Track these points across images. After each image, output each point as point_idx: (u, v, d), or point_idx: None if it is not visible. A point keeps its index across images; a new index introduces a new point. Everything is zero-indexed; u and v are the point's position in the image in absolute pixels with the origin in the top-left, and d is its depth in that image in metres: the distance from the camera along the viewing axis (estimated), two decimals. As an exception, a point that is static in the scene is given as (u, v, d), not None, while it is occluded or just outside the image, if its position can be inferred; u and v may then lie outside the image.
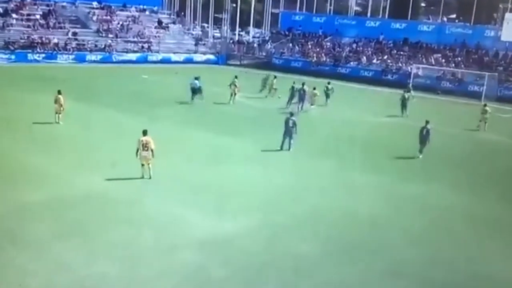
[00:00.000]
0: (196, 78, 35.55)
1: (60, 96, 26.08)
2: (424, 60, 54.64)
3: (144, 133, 18.40)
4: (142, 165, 18.31)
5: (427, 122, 24.21)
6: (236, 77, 37.14)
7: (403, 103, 34.98)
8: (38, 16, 60.04)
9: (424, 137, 23.90)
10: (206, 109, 33.37)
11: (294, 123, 23.65)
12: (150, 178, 18.31)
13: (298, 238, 14.88)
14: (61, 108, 26.01)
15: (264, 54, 66.82)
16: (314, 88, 36.17)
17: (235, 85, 36.02)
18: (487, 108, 32.80)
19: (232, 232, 14.90)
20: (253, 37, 78.67)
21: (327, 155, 23.71)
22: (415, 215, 17.42)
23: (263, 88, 40.10)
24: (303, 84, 35.05)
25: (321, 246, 14.54)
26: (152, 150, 18.06)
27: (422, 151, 23.99)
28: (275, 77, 40.14)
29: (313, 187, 19.27)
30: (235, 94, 35.86)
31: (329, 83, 37.88)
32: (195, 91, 35.09)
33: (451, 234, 15.96)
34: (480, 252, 14.88)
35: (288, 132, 23.56)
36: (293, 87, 35.86)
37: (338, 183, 20.04)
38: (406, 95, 35.64)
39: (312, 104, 35.50)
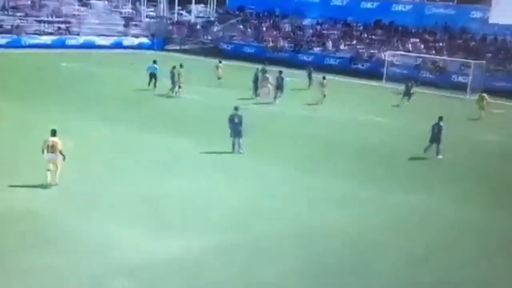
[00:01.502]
0: (155, 62, 38.50)
1: None
2: (400, 46, 55.95)
3: (53, 133, 18.53)
4: (48, 170, 18.38)
5: (440, 118, 25.67)
6: (181, 65, 37.71)
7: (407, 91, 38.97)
8: None
9: (436, 135, 25.27)
10: (144, 104, 33.81)
11: (240, 120, 24.01)
12: (56, 185, 18.39)
13: (261, 263, 14.67)
14: None
15: (210, 37, 67.08)
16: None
17: (179, 75, 36.68)
18: (484, 94, 36.50)
19: (176, 256, 14.63)
20: (196, 17, 78.80)
21: (286, 158, 24.21)
22: (413, 231, 17.72)
23: (256, 89, 38.37)
24: (280, 72, 37.69)
25: (292, 274, 14.24)
26: (61, 152, 18.35)
27: (439, 151, 25.38)
28: (265, 71, 39.40)
29: (277, 198, 19.37)
30: (179, 87, 36.64)
31: (280, 72, 38.58)
32: (155, 76, 37.68)
33: (458, 253, 16.26)
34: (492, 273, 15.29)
35: (236, 131, 23.96)
36: (257, 74, 38.19)
37: (304, 192, 20.33)
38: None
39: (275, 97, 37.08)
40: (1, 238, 14.99)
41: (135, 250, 14.72)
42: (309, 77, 44.24)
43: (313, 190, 20.48)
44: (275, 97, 36.95)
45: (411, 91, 39.71)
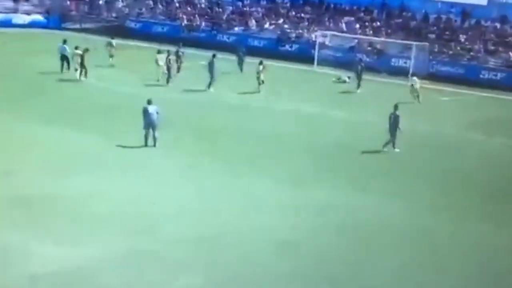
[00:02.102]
0: (65, 42, 38.66)
1: None
2: (332, 25, 54.91)
3: None
4: None
5: (396, 107, 26.09)
6: (76, 47, 37.70)
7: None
8: None
9: (393, 125, 25.69)
10: (43, 90, 33.18)
11: (157, 111, 24.02)
12: None
13: (173, 271, 14.65)
14: None
15: (114, 15, 64.74)
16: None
17: (79, 54, 36.70)
18: (414, 77, 37.99)
19: (81, 263, 14.56)
20: (98, -9, 75.78)
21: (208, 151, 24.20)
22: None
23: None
24: (213, 56, 37.66)
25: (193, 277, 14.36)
26: None
27: (395, 143, 25.78)
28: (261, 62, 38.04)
29: (196, 200, 19.25)
30: (83, 71, 36.54)
31: (214, 56, 37.95)
32: (66, 58, 37.75)
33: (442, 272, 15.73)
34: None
35: (150, 123, 23.83)
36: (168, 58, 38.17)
37: (227, 192, 20.25)
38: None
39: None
40: None
41: (38, 257, 14.66)
42: (240, 61, 43.48)
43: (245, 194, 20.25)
44: (209, 85, 36.23)
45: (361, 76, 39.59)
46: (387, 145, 25.75)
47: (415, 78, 38.15)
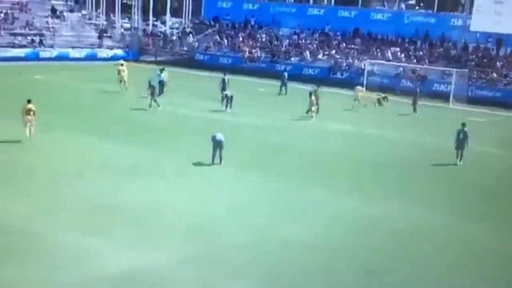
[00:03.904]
0: (162, 71, 40.13)
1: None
2: (379, 55, 54.77)
3: (29, 101, 25.43)
4: (28, 127, 25.01)
5: (463, 124, 26.31)
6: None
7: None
8: None
9: (461, 141, 25.96)
10: (122, 116, 33.04)
11: (221, 142, 23.75)
12: (30, 136, 24.95)
13: (233, 275, 14.37)
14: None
15: (185, 48, 65.83)
16: None
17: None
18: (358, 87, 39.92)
19: (151, 267, 14.44)
20: (171, 28, 77.20)
21: (268, 169, 23.76)
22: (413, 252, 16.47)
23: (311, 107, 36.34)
24: (317, 86, 37.81)
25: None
26: (34, 114, 25.15)
27: (462, 157, 26.07)
28: (316, 89, 37.40)
29: (253, 209, 19.06)
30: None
31: (318, 86, 38.09)
32: (162, 83, 38.75)
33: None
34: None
35: (218, 144, 23.70)
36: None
37: (284, 204, 19.85)
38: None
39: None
40: None
41: (110, 261, 14.61)
42: (283, 84, 44.35)
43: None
44: (307, 111, 35.47)
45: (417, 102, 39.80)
46: (461, 159, 25.94)
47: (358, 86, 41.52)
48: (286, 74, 46.79)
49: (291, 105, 38.32)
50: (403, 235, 17.53)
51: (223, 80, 39.62)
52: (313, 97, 35.77)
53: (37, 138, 25.31)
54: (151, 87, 35.22)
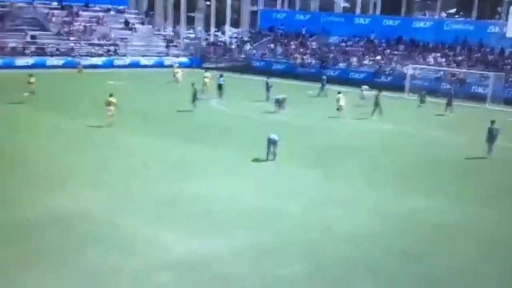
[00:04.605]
0: (221, 75, 42.22)
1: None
2: (421, 60, 54.12)
3: (110, 95, 28.92)
4: (109, 115, 28.23)
5: (492, 122, 26.60)
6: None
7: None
8: (-8, 18, 58.34)
9: (493, 136, 26.10)
10: (187, 118, 33.38)
11: (275, 141, 23.83)
12: (109, 125, 27.85)
13: (283, 262, 14.28)
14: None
15: (243, 56, 66.10)
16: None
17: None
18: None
19: (211, 254, 14.45)
20: (230, 37, 77.86)
21: (316, 165, 23.54)
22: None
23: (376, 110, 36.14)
24: (379, 90, 37.13)
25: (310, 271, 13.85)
26: (115, 106, 28.44)
27: (492, 150, 26.12)
28: (378, 93, 37.03)
29: (305, 202, 18.83)
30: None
31: (380, 90, 37.63)
32: (221, 87, 40.92)
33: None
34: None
35: (272, 143, 23.79)
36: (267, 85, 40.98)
37: (332, 197, 19.57)
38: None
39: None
40: (62, 237, 15.00)
41: (175, 249, 14.70)
42: (323, 86, 45.07)
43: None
44: (375, 113, 35.44)
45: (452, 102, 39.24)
46: (490, 152, 26.03)
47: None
48: (325, 77, 47.00)
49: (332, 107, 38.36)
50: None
51: (267, 83, 41.36)
52: (378, 99, 35.76)
53: (111, 135, 26.45)
54: (193, 89, 35.43)
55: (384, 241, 15.89)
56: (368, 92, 41.04)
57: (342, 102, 35.56)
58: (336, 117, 35.10)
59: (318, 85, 45.57)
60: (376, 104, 35.72)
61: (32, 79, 34.76)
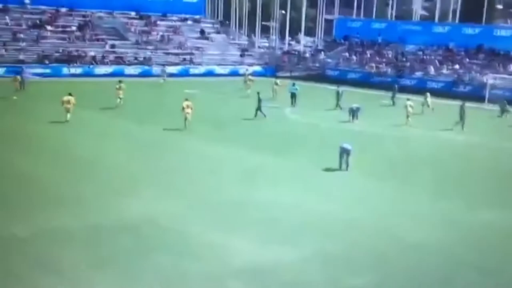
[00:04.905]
0: (294, 84, 43.23)
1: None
2: (501, 69, 52.78)
3: (186, 99, 30.93)
4: (185, 119, 30.43)
5: None
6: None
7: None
8: (74, 28, 61.31)
9: None
10: (259, 126, 33.97)
11: (349, 146, 23.94)
12: (185, 127, 30.24)
13: (353, 271, 14.34)
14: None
15: (317, 65, 66.37)
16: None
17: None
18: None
19: (280, 262, 14.58)
20: (305, 46, 78.13)
21: (388, 175, 23.59)
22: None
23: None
24: (462, 102, 36.47)
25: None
26: (191, 109, 30.65)
27: None
28: (463, 104, 36.53)
29: (376, 212, 18.86)
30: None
31: (463, 102, 37.01)
32: (295, 96, 41.66)
33: None
34: None
35: (345, 152, 23.79)
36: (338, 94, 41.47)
37: (403, 208, 19.48)
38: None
39: None
40: (130, 242, 15.34)
41: (243, 255, 14.86)
42: (393, 96, 45.05)
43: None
44: (458, 124, 35.05)
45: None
46: None
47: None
48: (396, 86, 46.94)
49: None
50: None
51: (337, 92, 41.54)
52: (463, 110, 35.39)
53: (182, 142, 27.49)
54: (258, 98, 35.63)
55: (455, 253, 15.78)
56: (432, 100, 41.04)
57: (410, 109, 35.67)
58: (409, 126, 34.91)
59: (399, 95, 45.25)
60: (461, 115, 35.28)
61: (123, 85, 37.42)
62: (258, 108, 35.52)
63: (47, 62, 54.16)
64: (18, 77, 41.82)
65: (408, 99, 36.87)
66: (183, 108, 30.41)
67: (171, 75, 56.45)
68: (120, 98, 36.55)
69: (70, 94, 31.62)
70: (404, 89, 48.12)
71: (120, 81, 38.29)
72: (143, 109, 37.00)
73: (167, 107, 36.76)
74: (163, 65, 57.13)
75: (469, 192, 21.74)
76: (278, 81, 48.02)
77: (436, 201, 20.32)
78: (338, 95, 41.44)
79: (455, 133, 33.83)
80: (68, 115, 30.87)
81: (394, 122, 36.12)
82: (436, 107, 40.68)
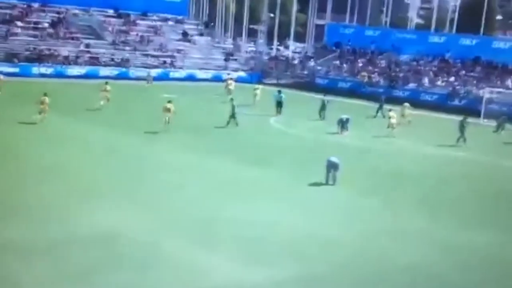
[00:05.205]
0: (279, 92, 42.99)
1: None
2: (499, 82, 53.19)
3: (169, 101, 32.79)
4: (165, 121, 31.87)
5: None
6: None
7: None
8: (46, 25, 60.96)
9: None
10: (241, 135, 33.87)
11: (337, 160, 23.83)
12: (166, 124, 31.77)
13: None
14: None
15: (306, 72, 66.50)
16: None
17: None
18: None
19: (257, 283, 14.45)
20: (294, 52, 78.42)
21: (377, 192, 23.58)
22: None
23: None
24: (464, 117, 36.49)
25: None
26: (172, 112, 32.13)
27: None
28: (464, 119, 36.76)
29: (362, 231, 18.84)
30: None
31: (465, 117, 37.21)
32: (280, 104, 41.43)
33: None
34: None
35: (332, 166, 23.78)
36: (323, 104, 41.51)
37: (390, 227, 19.51)
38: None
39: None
40: (100, 257, 15.19)
41: (219, 275, 14.76)
42: (381, 107, 44.88)
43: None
44: (458, 140, 35.21)
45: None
46: None
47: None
48: (383, 97, 47.01)
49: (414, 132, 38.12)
50: None
51: (323, 101, 41.79)
52: (464, 125, 35.67)
53: (158, 150, 27.37)
54: (232, 105, 35.77)
55: (444, 275, 15.83)
56: (411, 112, 41.41)
57: (393, 120, 36.51)
58: (399, 140, 35.10)
59: (386, 106, 45.43)
60: (462, 130, 35.47)
61: (108, 87, 39.20)
62: (232, 116, 35.56)
63: (16, 60, 53.68)
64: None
65: (390, 110, 37.72)
66: (165, 110, 31.85)
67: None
68: (108, 100, 38.10)
69: (45, 95, 32.01)
70: (396, 101, 48.12)
71: (106, 83, 40.09)
72: (120, 114, 36.70)
73: (145, 112, 36.67)
74: (147, 67, 57.33)
75: (458, 212, 21.80)
76: (257, 86, 48.64)
77: (424, 219, 20.34)
78: (323, 104, 41.54)
79: (448, 149, 33.93)
80: (39, 117, 30.99)
81: (384, 135, 36.26)
82: (429, 121, 40.83)
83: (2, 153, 25.02)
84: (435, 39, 63.06)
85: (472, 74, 56.80)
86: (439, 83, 56.67)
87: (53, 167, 23.28)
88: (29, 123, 30.64)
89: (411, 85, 57.84)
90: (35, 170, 22.93)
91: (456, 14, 65.21)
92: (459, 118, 40.55)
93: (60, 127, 31.44)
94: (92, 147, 27.39)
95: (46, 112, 31.40)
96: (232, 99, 36.38)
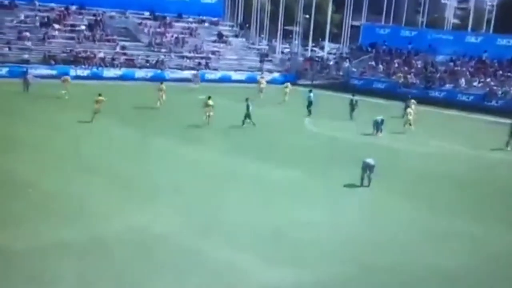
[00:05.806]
0: (310, 91, 43.34)
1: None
2: (537, 83, 52.45)
3: (209, 98, 35.52)
4: (208, 116, 34.87)
5: None
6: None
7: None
8: (83, 27, 62.06)
9: None
10: (273, 137, 34.15)
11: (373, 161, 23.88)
12: (208, 122, 34.61)
13: None
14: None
15: (341, 73, 66.45)
16: None
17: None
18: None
19: (293, 284, 14.61)
20: (329, 53, 78.36)
21: (413, 193, 23.55)
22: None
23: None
24: None
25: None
26: (212, 107, 35.00)
27: None
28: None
29: (402, 236, 18.78)
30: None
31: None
32: (310, 104, 41.99)
33: None
34: None
35: (368, 168, 23.79)
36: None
37: (430, 231, 19.34)
38: None
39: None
40: (134, 259, 15.44)
41: (258, 278, 14.86)
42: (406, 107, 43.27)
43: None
44: (507, 144, 34.79)
45: None
46: None
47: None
48: (410, 97, 45.17)
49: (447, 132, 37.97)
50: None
51: (351, 101, 41.72)
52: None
53: (192, 153, 27.80)
54: (247, 107, 35.77)
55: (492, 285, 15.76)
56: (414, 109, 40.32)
57: (410, 117, 37.24)
58: (434, 141, 34.99)
59: (422, 107, 45.18)
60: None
61: (164, 87, 41.46)
62: (247, 116, 35.54)
63: (53, 62, 54.89)
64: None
65: (407, 107, 38.28)
66: (205, 106, 34.88)
67: (185, 80, 56.72)
68: (161, 101, 40.22)
69: (100, 95, 34.31)
70: (432, 102, 47.96)
71: (161, 83, 42.61)
72: (151, 116, 37.32)
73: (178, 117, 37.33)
74: (195, 69, 58.35)
75: (502, 214, 21.69)
76: (287, 84, 49.52)
77: (467, 223, 20.19)
78: (352, 104, 41.44)
79: (486, 151, 33.72)
80: (95, 115, 33.14)
81: (419, 137, 36.11)
82: (465, 122, 40.39)
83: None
84: (471, 39, 62.55)
85: (509, 74, 56.22)
86: (475, 83, 56.21)
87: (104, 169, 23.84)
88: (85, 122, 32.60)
89: (448, 86, 57.46)
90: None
91: (493, 14, 64.59)
92: (495, 118, 40.30)
93: (108, 128, 32.32)
94: (136, 150, 28.00)
95: (99, 111, 33.40)
96: (247, 99, 36.14)
